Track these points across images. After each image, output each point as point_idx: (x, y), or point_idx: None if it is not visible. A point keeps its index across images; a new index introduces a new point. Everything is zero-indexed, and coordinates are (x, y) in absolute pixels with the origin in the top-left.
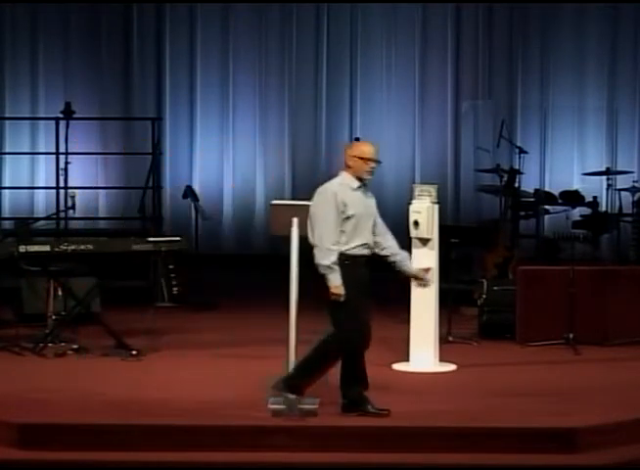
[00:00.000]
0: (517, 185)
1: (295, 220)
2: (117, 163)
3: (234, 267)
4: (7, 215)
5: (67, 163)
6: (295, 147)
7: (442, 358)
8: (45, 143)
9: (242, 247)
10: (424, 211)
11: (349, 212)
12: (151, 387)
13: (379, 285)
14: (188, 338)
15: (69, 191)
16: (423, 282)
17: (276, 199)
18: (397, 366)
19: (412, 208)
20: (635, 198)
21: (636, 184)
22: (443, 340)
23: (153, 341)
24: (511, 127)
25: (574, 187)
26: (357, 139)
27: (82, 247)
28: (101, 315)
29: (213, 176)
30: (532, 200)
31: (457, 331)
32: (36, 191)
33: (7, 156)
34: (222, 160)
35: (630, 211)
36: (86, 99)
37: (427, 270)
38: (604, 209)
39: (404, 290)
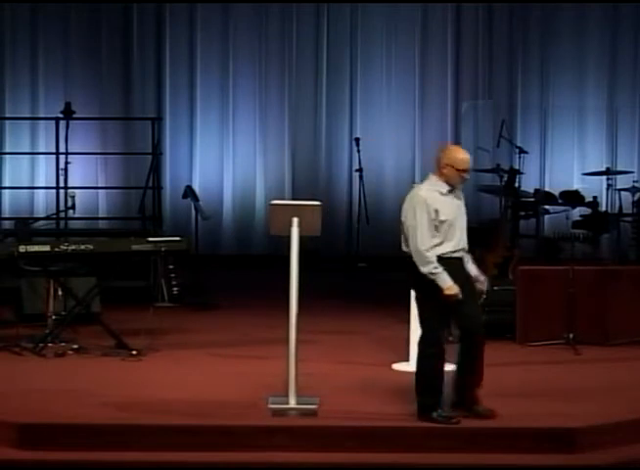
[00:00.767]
0: (517, 185)
1: (295, 220)
2: (117, 163)
3: (234, 267)
4: (7, 215)
5: (67, 163)
6: (295, 147)
7: None
8: (45, 143)
9: (242, 247)
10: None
11: (441, 218)
12: (151, 387)
13: (379, 285)
14: (188, 338)
15: (69, 191)
16: (479, 286)
17: (276, 199)
18: (397, 366)
19: None
20: (635, 198)
21: (636, 184)
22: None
23: (153, 341)
24: (511, 127)
25: (574, 187)
26: (456, 143)
27: (82, 247)
28: (101, 315)
29: (213, 176)
30: (532, 200)
31: (457, 331)
32: (36, 191)
33: (7, 156)
34: (222, 160)
35: (630, 211)
36: (86, 99)
37: (481, 282)
38: (604, 209)
39: (404, 289)
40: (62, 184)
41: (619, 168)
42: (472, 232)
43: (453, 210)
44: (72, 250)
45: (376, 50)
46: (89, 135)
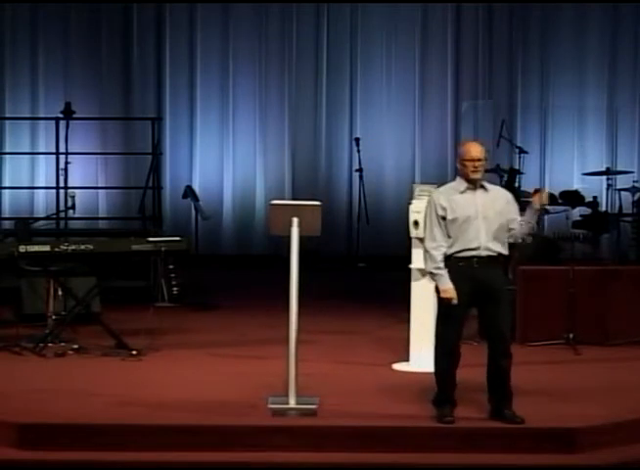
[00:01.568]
0: (517, 185)
1: (295, 220)
2: (117, 163)
3: (234, 267)
4: (7, 215)
5: (67, 163)
6: (295, 147)
7: None
8: (45, 143)
9: (242, 247)
10: (424, 211)
11: (450, 216)
12: (151, 387)
13: (379, 285)
14: (188, 338)
15: (69, 191)
16: (542, 199)
17: (276, 199)
18: (397, 366)
19: (412, 207)
20: (635, 198)
21: (636, 184)
22: None
23: (153, 341)
24: (511, 127)
25: (574, 187)
26: (476, 139)
27: (82, 247)
28: (101, 315)
29: (213, 176)
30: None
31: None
32: (36, 191)
33: (7, 156)
34: (222, 160)
35: (630, 211)
36: (86, 99)
37: (539, 193)
38: (604, 209)
39: (404, 290)
40: (62, 184)
41: (619, 168)
42: None
43: (469, 207)
44: (72, 250)
45: (376, 50)
46: (89, 135)
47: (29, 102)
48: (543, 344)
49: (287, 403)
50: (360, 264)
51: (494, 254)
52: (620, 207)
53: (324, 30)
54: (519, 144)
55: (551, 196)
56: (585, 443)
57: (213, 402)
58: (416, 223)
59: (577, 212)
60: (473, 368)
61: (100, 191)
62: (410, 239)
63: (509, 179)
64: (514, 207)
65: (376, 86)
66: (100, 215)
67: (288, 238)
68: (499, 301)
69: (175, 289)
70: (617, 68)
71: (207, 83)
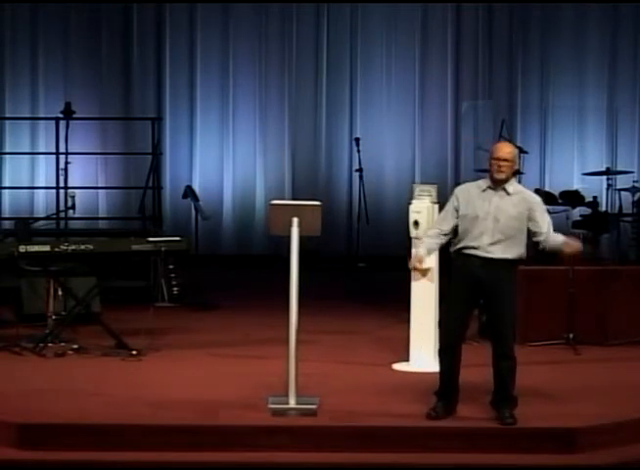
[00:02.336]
0: None
1: (295, 220)
2: (117, 163)
3: (234, 267)
4: (7, 215)
5: (67, 163)
6: (295, 147)
7: None
8: (45, 143)
9: (242, 247)
10: (424, 211)
11: (462, 212)
12: (151, 387)
13: (379, 285)
14: (188, 338)
15: (69, 191)
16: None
17: (276, 199)
18: (397, 366)
19: (412, 208)
20: (635, 198)
21: (636, 184)
22: None
23: (153, 341)
24: (511, 127)
25: (574, 187)
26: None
27: (82, 247)
28: (101, 315)
29: (213, 176)
30: None
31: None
32: (36, 191)
33: (7, 156)
34: (222, 160)
35: (630, 211)
36: (86, 99)
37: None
38: (604, 209)
39: (404, 289)
40: (62, 184)
41: (619, 168)
42: None
43: (482, 207)
44: (72, 250)
45: (376, 50)
46: (89, 135)
47: (29, 102)
48: (543, 344)
49: (287, 403)
50: (360, 264)
51: (494, 257)
52: (620, 207)
53: (324, 30)
54: (519, 144)
55: (551, 196)
56: (585, 443)
57: (213, 402)
58: (416, 223)
59: (577, 212)
60: (473, 368)
61: (100, 191)
62: (410, 239)
63: None
64: (540, 213)
65: (376, 86)
66: (100, 215)
67: (288, 238)
68: (499, 301)
69: (175, 289)
70: (617, 68)
71: (207, 83)
